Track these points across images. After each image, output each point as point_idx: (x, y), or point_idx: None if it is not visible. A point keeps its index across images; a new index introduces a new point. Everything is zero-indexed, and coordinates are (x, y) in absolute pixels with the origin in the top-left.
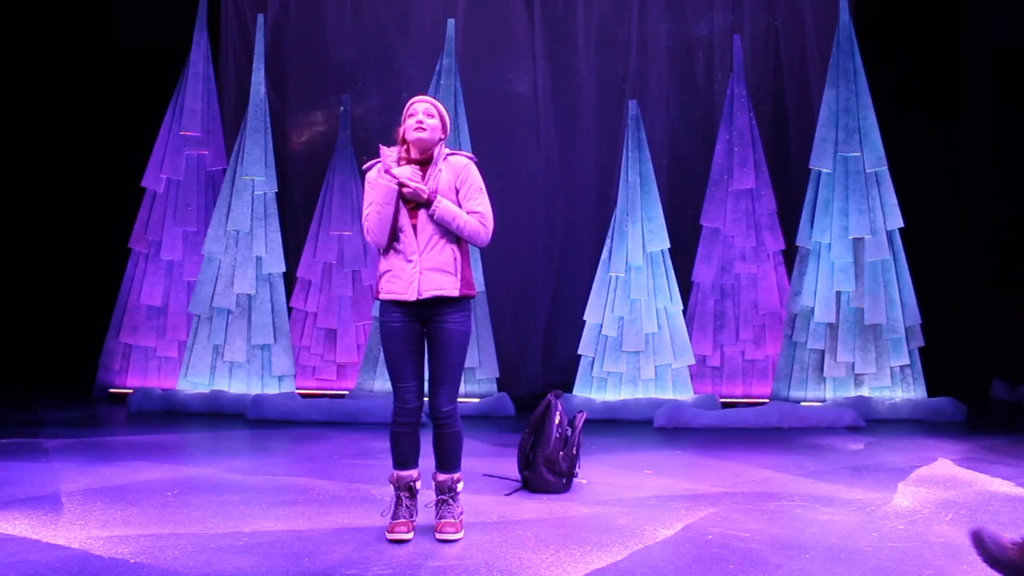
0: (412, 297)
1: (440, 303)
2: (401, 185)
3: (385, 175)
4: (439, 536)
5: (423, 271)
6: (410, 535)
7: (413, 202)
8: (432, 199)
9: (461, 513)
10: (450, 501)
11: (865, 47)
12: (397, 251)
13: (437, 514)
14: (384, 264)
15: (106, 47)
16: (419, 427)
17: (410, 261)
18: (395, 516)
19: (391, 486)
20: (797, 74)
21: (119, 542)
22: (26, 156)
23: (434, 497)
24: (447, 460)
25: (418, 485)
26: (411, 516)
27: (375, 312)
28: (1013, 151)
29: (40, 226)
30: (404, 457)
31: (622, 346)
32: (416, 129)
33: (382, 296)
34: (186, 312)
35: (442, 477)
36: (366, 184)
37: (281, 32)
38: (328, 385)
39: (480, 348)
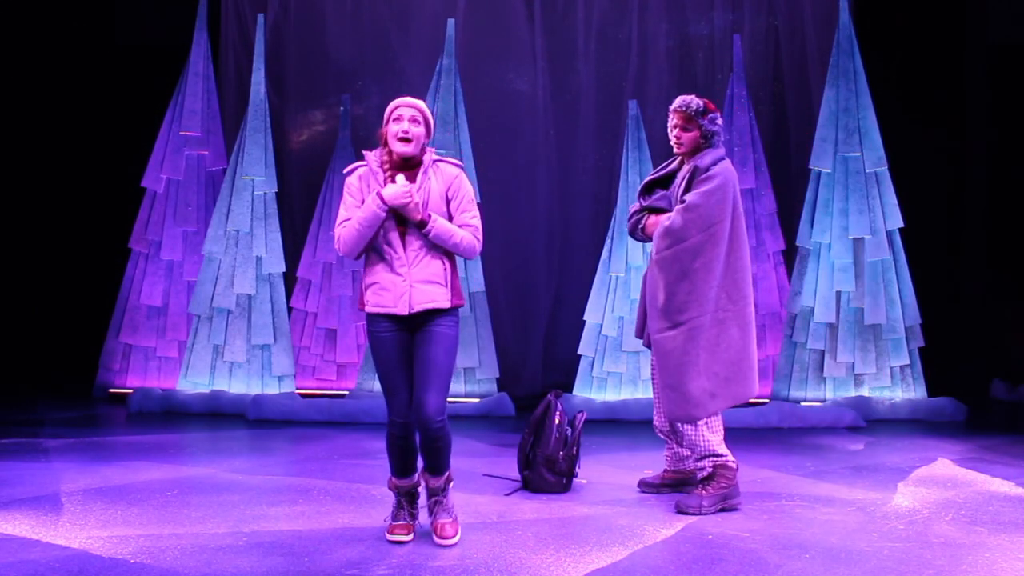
0: (404, 311)
1: (430, 313)
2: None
3: (376, 199)
4: (438, 540)
5: (414, 284)
6: (410, 537)
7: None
8: (426, 219)
9: (454, 507)
10: (443, 499)
11: (865, 47)
12: (385, 263)
13: (432, 514)
14: (370, 276)
15: (106, 47)
16: (415, 434)
17: (399, 275)
18: (395, 518)
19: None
20: (797, 74)
21: (119, 542)
22: (26, 157)
23: (426, 500)
24: (438, 464)
25: (419, 488)
26: (411, 518)
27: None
28: (1013, 151)
29: (40, 226)
30: (402, 466)
31: (622, 346)
32: (401, 140)
33: (369, 309)
34: (186, 312)
35: (434, 482)
36: (345, 190)
37: (281, 32)
38: (328, 385)
39: (480, 348)
